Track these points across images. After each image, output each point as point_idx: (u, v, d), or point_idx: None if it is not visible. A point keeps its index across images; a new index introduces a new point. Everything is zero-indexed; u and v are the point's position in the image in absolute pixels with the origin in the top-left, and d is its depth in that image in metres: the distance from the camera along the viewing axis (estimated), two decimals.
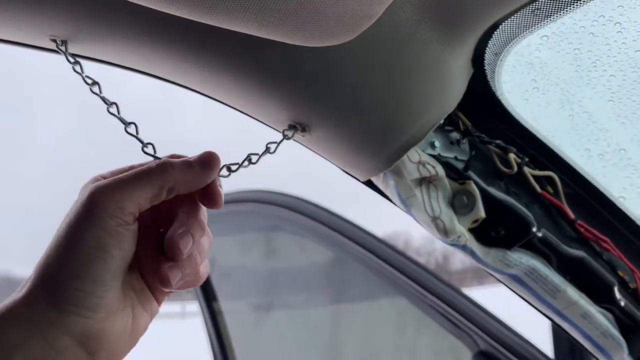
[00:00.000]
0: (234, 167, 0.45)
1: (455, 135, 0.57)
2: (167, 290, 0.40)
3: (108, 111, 0.44)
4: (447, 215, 0.54)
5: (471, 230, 0.56)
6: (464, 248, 0.55)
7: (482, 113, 0.57)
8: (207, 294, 1.79)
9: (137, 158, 0.45)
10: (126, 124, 0.44)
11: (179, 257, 0.37)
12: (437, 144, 0.55)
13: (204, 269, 0.41)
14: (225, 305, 1.81)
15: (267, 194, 1.73)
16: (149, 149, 0.43)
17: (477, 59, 0.52)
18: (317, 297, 1.91)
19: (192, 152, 0.44)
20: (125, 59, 0.46)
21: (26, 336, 0.33)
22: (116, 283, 0.35)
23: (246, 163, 0.46)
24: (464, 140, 0.57)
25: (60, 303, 0.33)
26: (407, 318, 1.64)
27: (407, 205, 0.53)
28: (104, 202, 0.34)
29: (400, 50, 0.46)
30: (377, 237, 1.62)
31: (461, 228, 0.54)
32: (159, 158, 0.43)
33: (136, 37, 0.43)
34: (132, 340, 0.38)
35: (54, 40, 0.43)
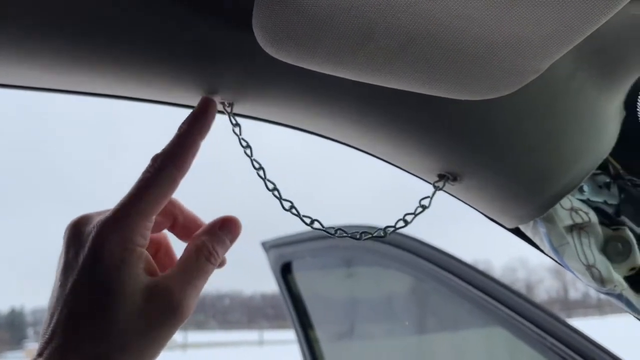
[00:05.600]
0: (389, 230, 0.47)
1: (603, 178, 0.55)
2: None
3: (257, 174, 0.46)
4: (602, 263, 0.51)
5: (627, 279, 0.53)
6: (619, 297, 0.53)
7: (633, 155, 0.55)
8: (303, 321, 1.82)
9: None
10: (269, 188, 0.46)
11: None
12: (585, 188, 0.53)
13: None
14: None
15: (347, 227, 1.74)
16: (290, 207, 0.46)
17: (630, 101, 0.50)
18: (405, 326, 1.88)
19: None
20: (284, 117, 0.49)
21: None
22: None
23: (401, 223, 0.47)
24: (614, 184, 0.55)
25: None
26: (507, 350, 1.57)
27: (559, 253, 0.51)
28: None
29: (555, 98, 0.46)
30: (471, 265, 1.57)
31: (618, 276, 0.51)
32: (299, 216, 0.46)
33: (296, 96, 0.46)
34: None
35: (223, 103, 0.46)
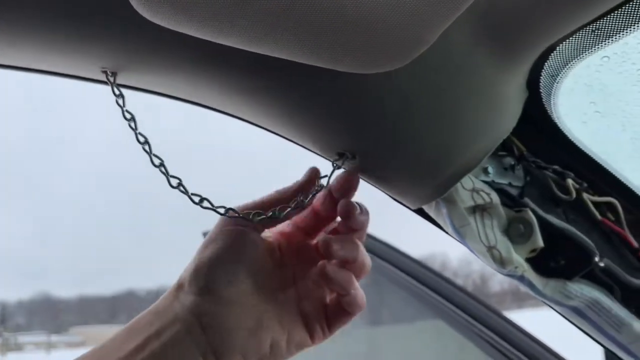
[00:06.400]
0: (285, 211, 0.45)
1: (509, 160, 0.55)
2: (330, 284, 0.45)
3: (143, 148, 0.44)
4: (503, 244, 0.51)
5: (528, 260, 0.53)
6: (521, 279, 0.53)
7: (537, 137, 0.55)
8: None
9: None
10: (155, 164, 0.44)
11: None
12: (490, 169, 0.53)
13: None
14: None
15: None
16: (177, 184, 0.44)
17: (532, 82, 0.50)
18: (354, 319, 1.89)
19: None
20: (173, 88, 0.46)
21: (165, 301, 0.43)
22: (244, 281, 0.43)
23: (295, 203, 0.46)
24: (519, 166, 0.54)
25: (192, 285, 0.42)
26: (446, 342, 1.60)
27: (460, 234, 0.51)
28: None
29: (454, 74, 0.45)
30: (415, 259, 1.59)
31: (518, 258, 0.51)
32: (187, 193, 0.44)
33: (184, 67, 0.43)
34: (254, 338, 0.42)
35: (105, 72, 0.43)
